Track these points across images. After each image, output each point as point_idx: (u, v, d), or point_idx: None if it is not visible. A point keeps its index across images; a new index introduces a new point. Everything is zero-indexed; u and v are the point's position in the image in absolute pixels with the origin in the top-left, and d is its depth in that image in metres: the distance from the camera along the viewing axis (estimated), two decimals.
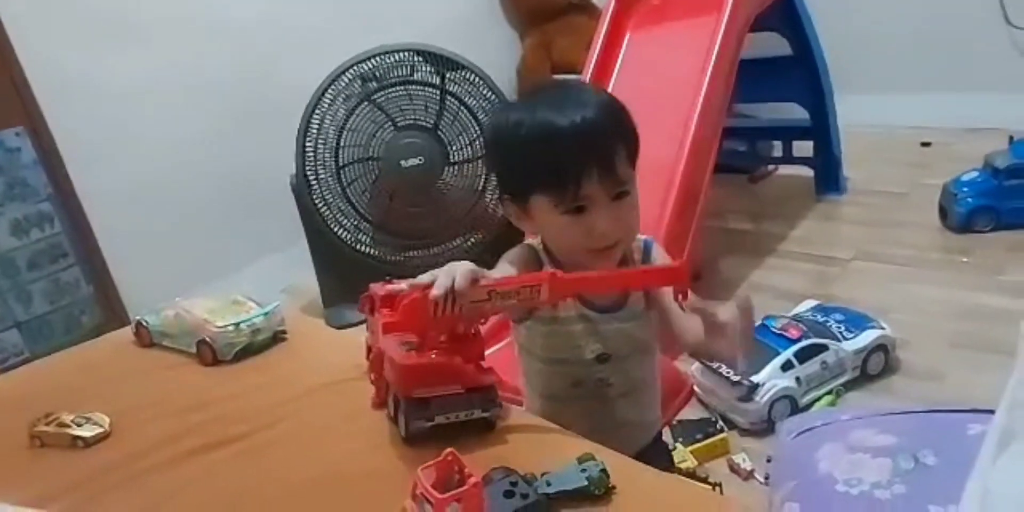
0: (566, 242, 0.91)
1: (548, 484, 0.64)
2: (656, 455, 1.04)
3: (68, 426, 0.81)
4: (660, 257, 1.00)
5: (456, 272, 0.75)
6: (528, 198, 0.89)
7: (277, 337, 1.05)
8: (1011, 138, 2.22)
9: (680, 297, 0.83)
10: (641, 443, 1.01)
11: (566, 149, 0.85)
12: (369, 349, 0.87)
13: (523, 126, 0.88)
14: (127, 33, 2.18)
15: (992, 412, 0.70)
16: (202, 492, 0.70)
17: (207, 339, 1.00)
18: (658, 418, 1.09)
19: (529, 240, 0.99)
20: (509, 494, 0.61)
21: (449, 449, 0.57)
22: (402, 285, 0.82)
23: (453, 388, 0.74)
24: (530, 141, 0.88)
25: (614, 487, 0.64)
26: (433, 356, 0.73)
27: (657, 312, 0.98)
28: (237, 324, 1.01)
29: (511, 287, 0.75)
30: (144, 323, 1.08)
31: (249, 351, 1.01)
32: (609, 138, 0.86)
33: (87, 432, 0.81)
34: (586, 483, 0.64)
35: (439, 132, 2.26)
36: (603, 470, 0.65)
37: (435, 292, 0.71)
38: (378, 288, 0.85)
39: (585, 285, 0.83)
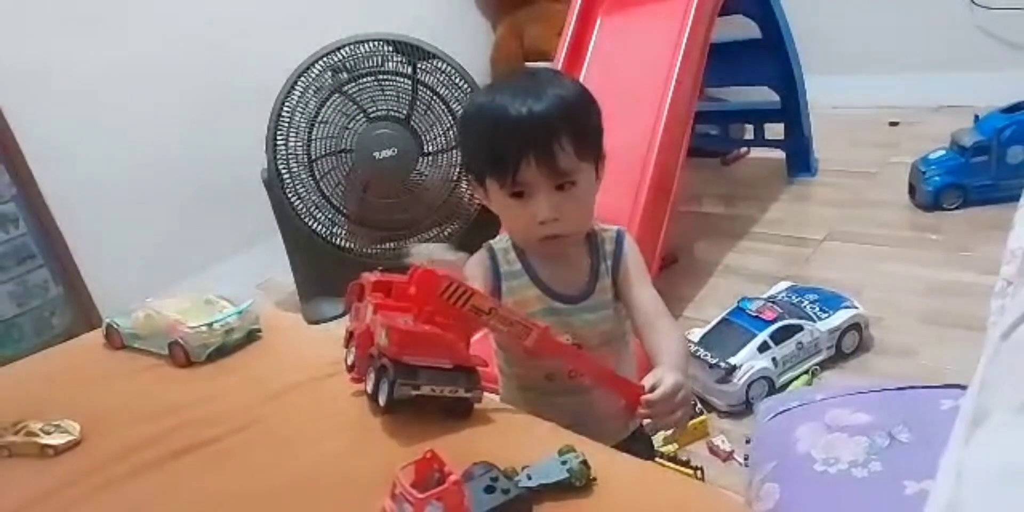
0: (515, 226, 0.96)
1: (529, 478, 0.64)
2: (637, 445, 1.05)
3: (37, 434, 0.79)
4: (630, 250, 1.01)
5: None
6: (482, 179, 0.94)
7: (252, 336, 1.04)
8: (976, 116, 2.25)
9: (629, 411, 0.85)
10: (621, 434, 1.02)
11: (507, 134, 0.89)
12: (350, 336, 0.87)
13: (480, 110, 0.93)
14: (90, 25, 2.13)
15: (963, 387, 0.71)
16: (177, 498, 0.69)
17: (179, 340, 0.98)
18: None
19: (495, 240, 1.02)
20: (490, 490, 0.60)
21: (429, 448, 0.57)
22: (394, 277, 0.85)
23: (442, 362, 0.76)
24: (480, 124, 0.93)
25: (595, 478, 0.64)
26: (428, 328, 0.75)
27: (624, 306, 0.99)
28: (210, 324, 1.00)
29: (511, 317, 0.79)
30: (115, 325, 1.06)
31: (223, 351, 0.99)
32: (553, 127, 0.88)
33: (57, 440, 0.79)
34: (567, 475, 0.64)
35: (412, 123, 2.24)
36: (583, 462, 0.65)
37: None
38: (370, 275, 0.87)
39: (565, 352, 0.85)
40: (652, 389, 0.83)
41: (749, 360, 1.56)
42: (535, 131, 0.88)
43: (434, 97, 2.24)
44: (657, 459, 1.39)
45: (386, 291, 0.84)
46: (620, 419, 1.02)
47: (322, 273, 2.27)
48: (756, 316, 1.63)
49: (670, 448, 1.45)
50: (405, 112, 2.22)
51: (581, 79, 2.11)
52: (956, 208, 2.20)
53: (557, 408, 0.86)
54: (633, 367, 1.09)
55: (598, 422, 0.92)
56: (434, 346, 0.75)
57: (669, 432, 1.27)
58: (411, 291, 0.78)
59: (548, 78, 0.94)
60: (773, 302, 1.69)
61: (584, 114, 0.93)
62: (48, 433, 0.80)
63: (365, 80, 2.19)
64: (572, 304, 0.96)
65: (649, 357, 0.96)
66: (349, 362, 0.86)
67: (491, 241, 1.02)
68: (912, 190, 2.29)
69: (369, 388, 0.79)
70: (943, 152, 2.25)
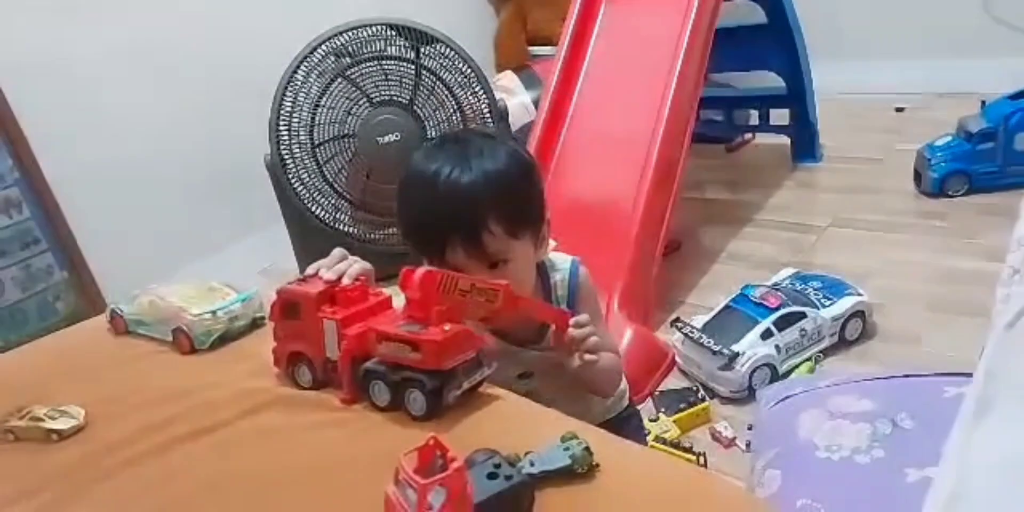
0: None
1: (532, 464, 0.64)
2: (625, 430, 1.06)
3: (42, 419, 0.80)
4: (582, 290, 1.00)
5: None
6: (413, 246, 0.91)
7: (255, 323, 1.04)
8: (983, 102, 2.23)
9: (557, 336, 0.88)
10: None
11: (430, 222, 0.86)
12: (291, 356, 0.84)
13: (408, 185, 0.89)
14: (93, 9, 2.12)
15: (967, 375, 0.71)
16: (180, 483, 0.69)
17: (183, 327, 0.98)
18: (607, 408, 1.10)
19: None
20: (493, 476, 0.60)
21: (431, 434, 0.57)
22: (317, 279, 0.84)
23: (470, 353, 0.76)
24: (406, 205, 0.90)
25: (598, 465, 0.65)
26: (448, 327, 0.75)
27: None
28: (214, 312, 0.99)
29: (483, 285, 0.78)
30: (119, 311, 1.06)
31: (227, 338, 0.99)
32: (477, 213, 0.85)
33: (62, 425, 0.79)
34: (570, 462, 0.64)
35: (415, 108, 2.23)
36: (586, 448, 0.65)
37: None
38: (302, 288, 0.83)
39: (526, 302, 0.87)
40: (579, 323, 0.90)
41: (752, 347, 1.56)
42: (460, 217, 0.84)
43: (437, 82, 2.23)
44: (659, 446, 1.40)
45: (330, 301, 0.81)
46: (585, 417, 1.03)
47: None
48: (759, 303, 1.63)
49: (673, 434, 1.45)
50: (408, 97, 2.21)
51: (585, 66, 2.10)
52: (962, 195, 2.19)
53: None
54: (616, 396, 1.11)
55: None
56: (464, 344, 0.75)
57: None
58: (413, 294, 0.75)
59: (477, 148, 0.89)
60: (777, 289, 1.69)
61: (516, 190, 0.89)
62: (53, 418, 0.80)
63: (368, 64, 2.18)
64: (522, 347, 0.96)
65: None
66: (305, 382, 0.83)
67: None
68: (918, 177, 2.28)
69: (382, 402, 0.77)
70: (949, 138, 2.23)
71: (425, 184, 0.86)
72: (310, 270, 0.86)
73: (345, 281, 0.84)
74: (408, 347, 0.74)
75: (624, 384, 1.14)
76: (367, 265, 0.89)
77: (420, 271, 0.75)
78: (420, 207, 0.88)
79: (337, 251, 0.90)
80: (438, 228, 0.86)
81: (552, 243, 1.01)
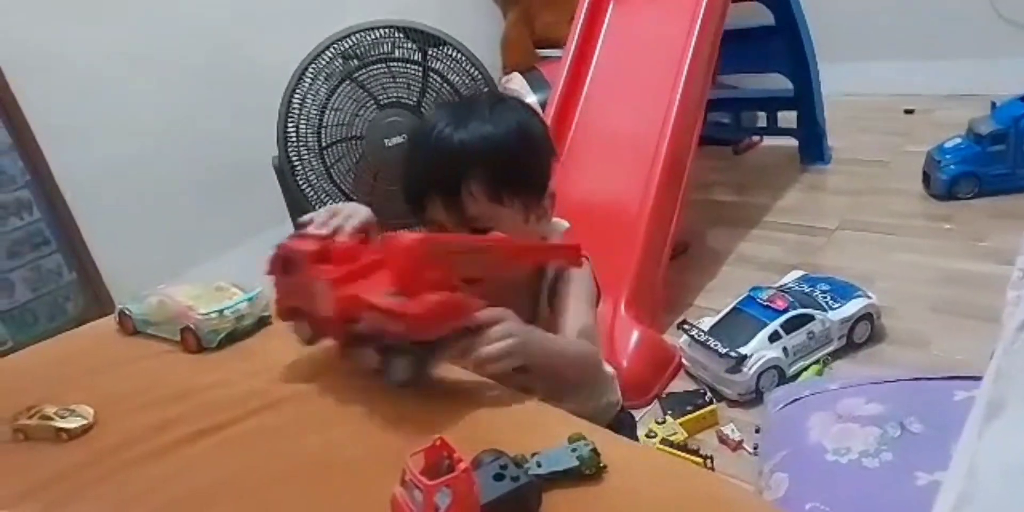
0: None
1: (539, 465, 0.64)
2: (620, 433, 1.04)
3: (51, 418, 0.80)
4: (572, 277, 0.95)
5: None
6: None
7: (262, 322, 1.04)
8: (993, 104, 2.22)
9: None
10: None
11: (414, 175, 0.87)
12: (290, 311, 0.83)
13: (409, 139, 0.92)
14: (103, 10, 2.13)
15: (977, 379, 0.70)
16: (188, 482, 0.70)
17: (191, 326, 0.99)
18: (599, 411, 1.04)
19: None
20: (499, 477, 0.60)
21: (438, 435, 0.57)
22: (316, 232, 0.82)
23: (461, 320, 0.73)
24: (404, 159, 0.90)
25: (605, 466, 0.64)
26: (435, 297, 0.72)
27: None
28: (221, 311, 1.00)
29: (478, 243, 0.77)
30: (127, 312, 1.07)
31: (234, 337, 1.00)
32: (458, 172, 0.83)
33: (71, 424, 0.80)
34: (577, 463, 0.64)
35: (422, 110, 2.23)
36: (593, 450, 0.65)
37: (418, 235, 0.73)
38: (297, 244, 0.82)
39: (520, 246, 0.84)
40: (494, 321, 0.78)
41: (760, 350, 1.55)
42: (441, 173, 0.83)
43: (444, 84, 2.23)
44: (666, 448, 1.40)
45: (324, 259, 0.79)
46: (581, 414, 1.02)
47: None
48: (767, 305, 1.62)
49: (679, 437, 1.45)
50: (415, 99, 2.22)
51: (592, 68, 2.10)
52: (971, 197, 2.18)
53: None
54: (609, 390, 1.06)
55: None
56: (452, 313, 0.72)
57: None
58: (394, 264, 0.73)
59: (482, 110, 0.87)
60: (784, 291, 1.68)
61: (509, 155, 0.86)
62: (63, 417, 0.80)
63: (375, 67, 2.18)
64: None
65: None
66: (305, 337, 0.82)
67: None
68: (927, 179, 2.27)
69: (373, 365, 0.75)
70: (959, 140, 2.22)
71: (420, 139, 0.86)
72: (305, 219, 0.85)
73: (341, 238, 0.82)
74: (391, 318, 0.72)
75: (616, 394, 1.09)
76: (367, 216, 0.87)
77: (403, 240, 0.73)
78: (409, 160, 0.88)
79: (326, 209, 0.88)
80: (420, 182, 0.85)
81: (564, 224, 0.99)
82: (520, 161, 0.88)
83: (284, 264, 0.83)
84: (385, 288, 0.74)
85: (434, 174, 0.85)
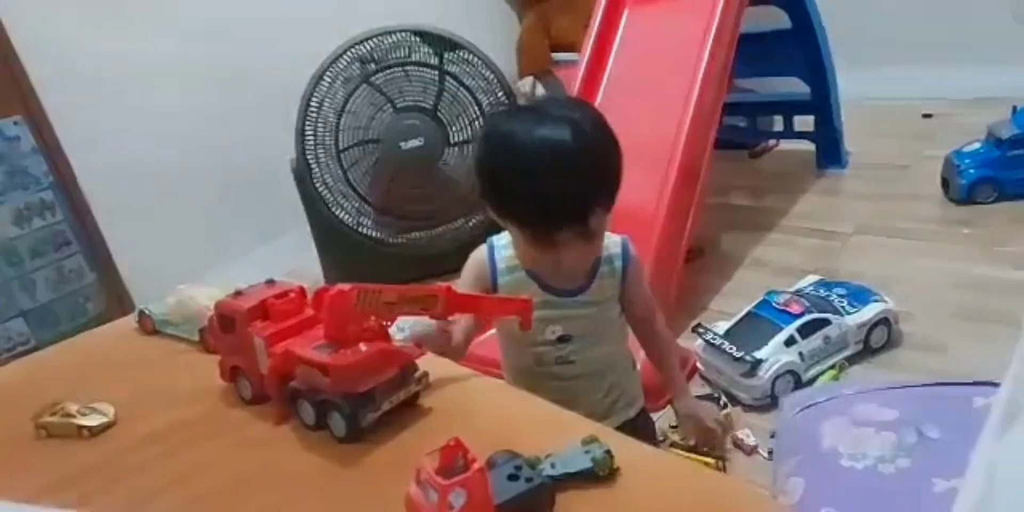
0: (533, 264, 0.96)
1: (552, 466, 0.64)
2: (640, 431, 1.06)
3: (73, 416, 0.81)
4: (636, 256, 1.02)
5: None
6: (504, 215, 0.92)
7: None
8: (1014, 108, 2.20)
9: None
10: (605, 417, 1.03)
11: (547, 204, 0.86)
12: (232, 370, 0.83)
13: (518, 155, 0.88)
14: (123, 16, 2.16)
15: (996, 384, 0.70)
16: (206, 480, 0.70)
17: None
18: (628, 405, 1.10)
19: (497, 236, 1.03)
20: (513, 478, 0.61)
21: (453, 436, 0.57)
22: (246, 293, 0.82)
23: (390, 372, 0.73)
24: (520, 176, 0.88)
25: (619, 468, 0.65)
26: (364, 348, 0.72)
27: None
28: None
29: (414, 293, 0.76)
30: (147, 312, 1.08)
31: None
32: (589, 202, 0.87)
33: (92, 421, 0.81)
34: (591, 465, 0.64)
35: (438, 113, 2.25)
36: (607, 451, 0.65)
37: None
38: (237, 302, 0.82)
39: (473, 301, 0.84)
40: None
41: (775, 354, 1.55)
42: (572, 209, 0.86)
43: (460, 88, 2.25)
44: (680, 452, 1.39)
45: (262, 315, 0.79)
46: (603, 403, 1.05)
47: (349, 262, 2.29)
48: (783, 310, 1.62)
49: (692, 440, 1.44)
50: (432, 103, 2.23)
51: (608, 71, 2.10)
52: (991, 202, 2.16)
53: (545, 391, 0.86)
54: (632, 365, 1.12)
55: (581, 405, 0.91)
56: (377, 365, 0.72)
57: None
58: (324, 315, 0.74)
59: (579, 133, 0.88)
60: (800, 296, 1.67)
61: (615, 173, 0.91)
62: (84, 415, 0.82)
63: (392, 71, 2.20)
64: (565, 297, 0.98)
65: (655, 364, 1.12)
66: (247, 396, 0.81)
67: (493, 238, 1.03)
68: (945, 184, 2.25)
69: (309, 421, 0.75)
70: (978, 145, 2.20)
71: (538, 161, 0.86)
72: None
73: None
74: (319, 371, 0.72)
75: (639, 392, 1.14)
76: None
77: (332, 290, 0.73)
78: (532, 195, 0.87)
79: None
80: (554, 214, 0.87)
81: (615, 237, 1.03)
82: (619, 171, 0.92)
83: (222, 322, 0.83)
84: (318, 341, 0.74)
85: (567, 213, 0.87)
